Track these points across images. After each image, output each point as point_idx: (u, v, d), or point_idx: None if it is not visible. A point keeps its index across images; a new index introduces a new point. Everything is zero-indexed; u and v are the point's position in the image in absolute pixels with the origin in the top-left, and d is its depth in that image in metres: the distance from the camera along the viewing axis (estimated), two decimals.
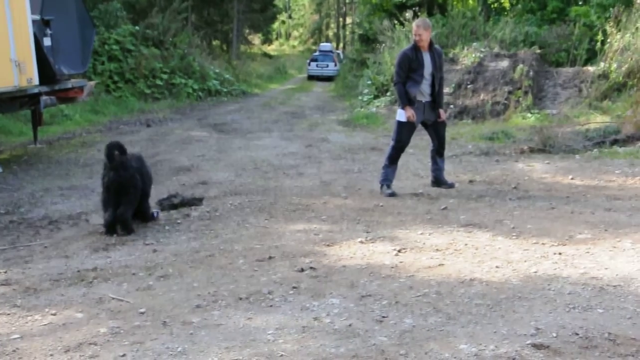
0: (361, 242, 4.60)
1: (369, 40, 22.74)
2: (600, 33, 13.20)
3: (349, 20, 56.13)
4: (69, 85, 9.21)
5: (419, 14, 16.48)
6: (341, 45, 54.54)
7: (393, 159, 6.37)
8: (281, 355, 2.79)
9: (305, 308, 3.35)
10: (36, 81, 8.00)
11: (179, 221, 5.38)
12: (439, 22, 16.68)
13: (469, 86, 13.18)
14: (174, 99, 17.35)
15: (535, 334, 2.95)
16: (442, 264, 4.05)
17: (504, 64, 13.48)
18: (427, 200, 6.04)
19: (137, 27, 18.14)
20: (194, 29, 26.27)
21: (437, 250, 4.37)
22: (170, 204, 5.83)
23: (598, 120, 10.58)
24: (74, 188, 6.90)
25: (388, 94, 14.50)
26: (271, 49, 54.53)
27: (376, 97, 15.12)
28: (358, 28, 31.48)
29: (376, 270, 3.94)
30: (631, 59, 12.07)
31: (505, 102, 12.55)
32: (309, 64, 33.85)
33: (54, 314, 3.34)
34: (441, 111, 6.42)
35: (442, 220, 5.23)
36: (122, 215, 4.94)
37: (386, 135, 10.13)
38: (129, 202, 4.96)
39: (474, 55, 13.93)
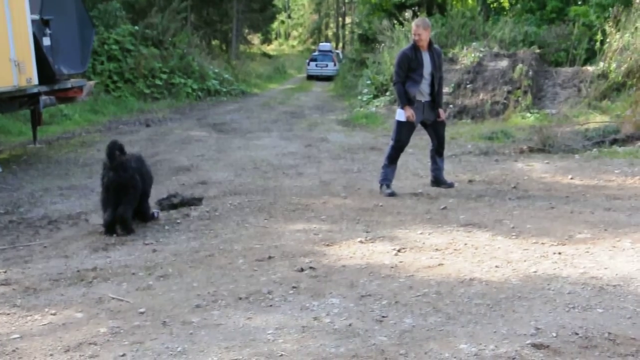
0: (361, 241, 4.60)
1: (368, 40, 22.74)
2: (599, 33, 13.21)
3: (348, 20, 56.14)
4: (69, 85, 9.20)
5: (418, 13, 16.44)
6: (340, 45, 54.54)
7: (392, 158, 6.37)
8: (281, 355, 2.79)
9: (305, 308, 3.35)
10: (35, 81, 7.99)
11: (178, 221, 5.38)
12: (439, 22, 16.68)
13: (468, 86, 13.19)
14: (174, 98, 17.35)
15: (535, 334, 2.95)
16: (442, 264, 4.05)
17: (504, 63, 13.49)
18: (427, 200, 6.04)
19: (136, 27, 18.14)
20: (193, 29, 26.26)
21: (436, 250, 4.37)
22: (170, 203, 5.82)
23: (597, 120, 10.58)
24: (73, 188, 6.90)
25: (387, 93, 14.50)
26: (270, 48, 54.52)
27: (375, 96, 15.12)
28: (357, 28, 31.48)
29: (376, 270, 3.94)
30: (630, 59, 12.08)
31: (505, 101, 12.56)
32: (308, 64, 33.84)
33: (54, 314, 3.34)
34: (440, 111, 6.42)
35: (441, 220, 5.23)
36: (122, 215, 4.94)
37: (385, 135, 10.13)
38: (128, 202, 4.96)
39: (473, 55, 13.93)
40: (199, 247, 4.59)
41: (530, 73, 12.98)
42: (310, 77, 32.68)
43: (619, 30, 12.63)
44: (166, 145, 9.92)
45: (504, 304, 3.33)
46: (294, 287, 3.65)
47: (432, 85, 6.26)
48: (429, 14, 18.22)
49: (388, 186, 6.32)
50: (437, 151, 6.54)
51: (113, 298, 3.56)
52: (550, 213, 5.39)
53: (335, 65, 32.08)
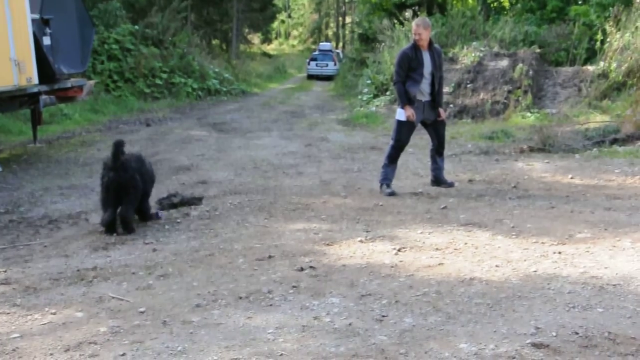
0: (361, 241, 4.60)
1: (368, 40, 22.74)
2: (599, 32, 13.20)
3: (348, 19, 56.14)
4: (69, 85, 9.20)
5: (418, 13, 16.44)
6: (341, 44, 54.54)
7: (393, 158, 6.37)
8: (281, 355, 2.79)
9: (305, 307, 3.35)
10: (36, 80, 7.99)
11: (178, 220, 5.39)
12: (439, 22, 16.68)
13: (468, 85, 13.19)
14: (174, 98, 17.35)
15: (535, 333, 2.95)
16: (442, 263, 4.05)
17: (504, 63, 13.49)
18: (427, 200, 6.04)
19: (136, 27, 18.13)
20: (193, 28, 26.27)
21: (436, 249, 4.37)
22: (170, 203, 5.82)
23: (598, 120, 10.58)
24: (73, 187, 6.90)
25: (388, 93, 14.50)
26: (271, 48, 54.51)
27: (376, 96, 15.11)
28: (357, 27, 31.50)
29: (376, 270, 3.94)
30: (631, 58, 12.07)
31: (505, 101, 12.56)
32: (309, 64, 33.85)
33: (54, 313, 3.34)
34: (441, 110, 6.43)
35: (441, 220, 5.23)
36: (124, 214, 4.94)
37: (386, 134, 10.13)
38: (129, 201, 4.96)
39: (473, 54, 13.93)
40: (199, 246, 4.59)
41: (531, 73, 12.98)
42: (311, 77, 32.68)
43: (619, 30, 12.63)
44: (166, 144, 9.92)
45: (504, 304, 3.34)
46: (294, 287, 3.65)
47: (432, 84, 6.26)
48: (429, 13, 18.21)
49: (388, 186, 6.32)
50: (438, 151, 6.54)
51: (113, 297, 3.56)
52: (551, 212, 5.39)
53: (335, 64, 32.09)
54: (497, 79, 13.12)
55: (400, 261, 4.12)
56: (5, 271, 4.13)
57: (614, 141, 8.90)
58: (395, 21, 16.84)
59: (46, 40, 8.41)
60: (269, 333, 3.02)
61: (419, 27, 6.16)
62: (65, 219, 5.54)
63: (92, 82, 10.72)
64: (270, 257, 4.24)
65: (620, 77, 12.02)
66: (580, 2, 17.19)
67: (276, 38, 63.98)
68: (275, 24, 56.17)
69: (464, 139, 10.09)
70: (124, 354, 2.81)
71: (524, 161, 8.10)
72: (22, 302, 3.54)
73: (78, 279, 3.91)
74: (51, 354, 2.84)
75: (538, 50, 14.12)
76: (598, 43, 13.12)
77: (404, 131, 6.32)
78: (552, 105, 12.46)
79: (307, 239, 4.71)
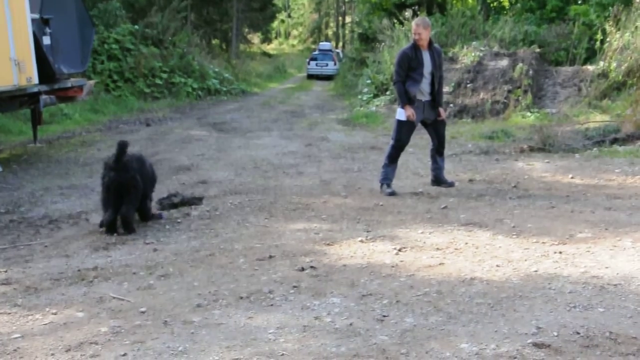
0: (361, 241, 4.60)
1: (368, 39, 22.74)
2: (599, 32, 13.20)
3: (348, 19, 56.12)
4: (69, 85, 9.20)
5: (418, 12, 16.42)
6: (340, 44, 54.52)
7: (393, 158, 6.37)
8: (282, 355, 2.79)
9: (306, 307, 3.35)
10: (36, 80, 7.99)
11: (179, 220, 5.38)
12: (439, 21, 16.67)
13: (468, 85, 13.18)
14: (174, 98, 17.35)
15: (536, 333, 2.95)
16: (443, 263, 4.05)
17: (504, 63, 13.48)
18: (427, 199, 6.04)
19: (136, 26, 18.12)
20: (193, 28, 26.26)
21: (437, 249, 4.37)
22: (170, 203, 5.82)
23: (598, 119, 10.58)
24: (74, 187, 6.90)
25: (388, 93, 14.49)
26: (270, 48, 54.49)
27: (376, 96, 15.11)
28: (357, 27, 31.49)
29: (377, 270, 3.94)
30: (630, 58, 12.07)
31: (505, 101, 12.56)
32: (309, 63, 33.84)
33: (55, 313, 3.34)
34: (441, 110, 6.43)
35: (442, 219, 5.23)
36: (125, 214, 4.94)
37: (386, 134, 10.13)
38: (131, 202, 4.96)
39: (473, 54, 13.92)
40: (200, 246, 4.59)
41: (531, 72, 12.98)
42: (311, 77, 32.68)
43: (619, 30, 12.63)
44: (166, 144, 9.92)
45: (505, 303, 3.34)
46: (294, 287, 3.65)
47: (432, 84, 6.26)
48: (429, 13, 18.21)
49: (388, 185, 6.32)
50: (438, 150, 6.54)
51: (114, 297, 3.56)
52: (551, 212, 5.39)
53: (335, 64, 32.08)
54: (497, 78, 13.12)
55: (401, 261, 4.12)
56: (6, 271, 4.13)
57: (614, 141, 8.90)
58: (395, 21, 16.83)
59: (46, 40, 8.41)
60: (269, 333, 3.02)
61: (418, 27, 6.16)
62: (66, 219, 5.54)
63: (92, 82, 10.71)
64: (270, 257, 4.24)
65: (620, 77, 12.02)
66: (580, 2, 17.19)
67: (276, 38, 63.95)
68: (275, 24, 56.14)
69: (464, 139, 10.09)
70: (125, 354, 2.81)
71: (524, 161, 8.10)
72: (23, 302, 3.54)
73: (79, 279, 3.91)
74: (52, 354, 2.84)
75: (538, 50, 14.12)
76: (598, 43, 13.11)
77: (404, 131, 6.32)
78: (552, 104, 12.46)
79: (307, 239, 4.71)
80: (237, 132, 11.54)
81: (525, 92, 12.52)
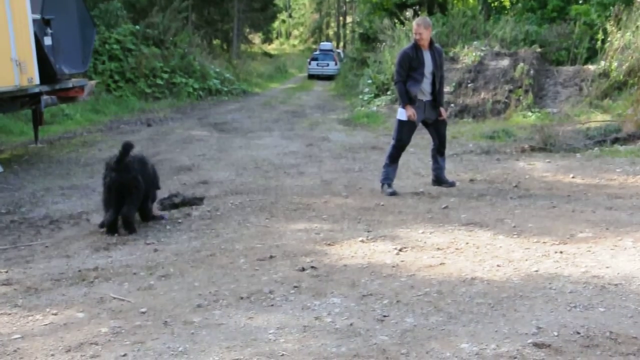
0: (362, 241, 4.60)
1: (369, 39, 22.74)
2: (600, 32, 13.18)
3: (349, 19, 56.13)
4: (70, 85, 9.20)
5: (419, 12, 16.45)
6: (341, 44, 54.54)
7: (394, 157, 6.37)
8: (282, 355, 2.79)
9: (307, 307, 3.35)
10: (37, 80, 7.99)
11: (180, 220, 5.39)
12: (440, 21, 16.66)
13: (469, 85, 13.18)
14: (175, 98, 17.36)
15: (537, 333, 2.94)
16: (443, 263, 4.05)
17: (505, 62, 13.47)
18: (428, 199, 6.03)
19: (137, 27, 18.14)
20: (194, 28, 26.27)
21: (438, 249, 4.37)
22: (171, 203, 5.83)
23: (599, 119, 10.57)
24: (74, 187, 6.91)
25: (388, 92, 14.49)
26: (271, 48, 54.52)
27: (377, 96, 15.11)
28: (358, 27, 31.50)
29: (377, 270, 3.94)
30: (632, 58, 12.05)
31: (506, 100, 12.55)
32: (310, 63, 33.85)
33: (55, 314, 3.35)
34: (442, 110, 6.42)
35: (443, 219, 5.23)
36: (126, 214, 4.95)
37: (387, 134, 10.13)
38: (132, 202, 4.96)
39: (474, 54, 13.92)
40: (200, 246, 4.59)
41: (532, 72, 12.97)
42: (312, 77, 32.69)
43: (620, 29, 12.61)
44: (167, 144, 9.93)
45: (505, 303, 3.33)
46: (295, 287, 3.65)
47: (433, 84, 6.26)
48: (430, 13, 18.20)
49: (389, 185, 6.32)
50: (439, 150, 6.54)
51: (114, 298, 3.56)
52: (552, 212, 5.39)
53: (336, 64, 32.08)
54: (498, 78, 13.11)
55: (402, 261, 4.12)
56: (6, 272, 4.14)
57: (615, 140, 8.89)
58: (396, 21, 16.83)
59: (47, 41, 8.42)
60: (270, 333, 3.02)
61: (419, 27, 6.15)
62: (67, 220, 5.55)
63: (93, 82, 10.72)
64: (271, 257, 4.24)
65: (621, 77, 12.00)
66: (581, 2, 17.17)
67: (277, 38, 63.99)
68: (276, 24, 56.18)
69: (465, 139, 10.09)
70: (125, 355, 2.81)
71: (525, 160, 8.10)
72: (24, 302, 3.54)
73: (79, 280, 3.91)
74: (52, 355, 2.84)
75: (539, 50, 14.11)
76: (599, 42, 13.10)
77: (405, 131, 6.31)
78: (553, 104, 12.45)
79: (308, 239, 4.71)
80: (238, 132, 11.54)
81: (526, 91, 12.51)
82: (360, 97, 15.95)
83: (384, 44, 16.48)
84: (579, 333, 2.93)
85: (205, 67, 19.81)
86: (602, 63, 12.63)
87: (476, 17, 16.58)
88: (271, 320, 3.18)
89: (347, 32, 56.16)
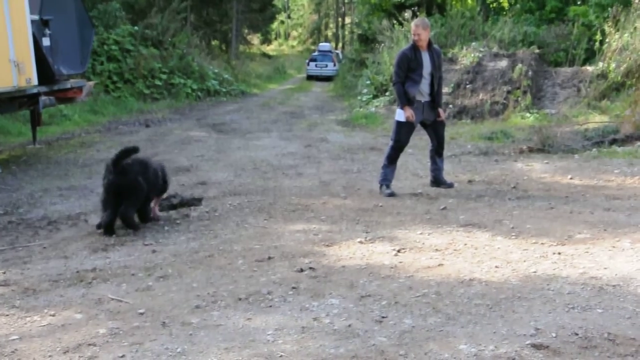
0: (360, 242, 4.60)
1: (368, 40, 22.75)
2: (598, 33, 13.22)
3: (348, 20, 56.14)
4: (68, 86, 9.19)
5: (417, 13, 16.44)
6: (340, 45, 54.53)
7: (392, 158, 6.37)
8: (281, 356, 2.78)
9: (305, 308, 3.35)
10: (35, 81, 7.98)
11: (178, 222, 5.38)
12: (438, 22, 16.69)
13: (467, 86, 13.19)
14: (173, 99, 17.35)
15: (535, 334, 2.95)
16: (442, 264, 4.05)
17: (503, 63, 13.49)
18: (426, 200, 6.04)
19: (136, 27, 18.13)
20: (193, 29, 26.26)
21: (436, 250, 4.37)
22: (170, 204, 5.82)
23: (597, 120, 10.59)
24: (73, 188, 6.90)
25: (387, 93, 14.50)
26: (270, 49, 54.54)
27: (375, 97, 15.12)
28: (357, 28, 31.51)
29: (375, 271, 3.94)
30: (630, 59, 12.08)
31: (504, 101, 12.56)
32: (308, 64, 33.85)
33: (53, 315, 3.34)
34: (440, 111, 6.43)
35: (441, 220, 5.23)
36: (124, 213, 4.95)
37: (385, 135, 10.14)
38: (130, 203, 4.96)
39: (472, 55, 13.93)
40: (199, 247, 4.59)
41: (530, 73, 12.99)
42: (310, 78, 32.68)
43: (618, 30, 12.64)
44: (166, 145, 9.92)
45: (503, 305, 3.33)
46: (293, 288, 3.65)
47: (431, 85, 6.26)
48: (429, 14, 18.23)
49: (388, 186, 6.32)
50: (437, 151, 6.54)
51: (112, 299, 3.56)
52: (550, 213, 5.40)
53: (334, 65, 32.08)
54: (497, 79, 13.13)
55: (400, 262, 4.12)
56: (4, 273, 4.13)
57: (613, 141, 8.91)
58: (395, 22, 16.84)
59: (46, 41, 8.40)
60: (268, 334, 3.02)
61: (418, 28, 6.16)
62: (65, 220, 5.54)
63: (91, 83, 10.71)
64: (269, 258, 4.24)
65: (619, 78, 12.03)
66: (579, 3, 17.22)
67: (276, 39, 63.99)
68: (275, 25, 56.19)
69: (463, 140, 10.10)
70: (123, 356, 2.81)
71: (523, 162, 8.11)
72: (21, 303, 3.54)
73: (77, 281, 3.90)
74: (50, 356, 2.84)
75: (537, 51, 14.13)
76: (597, 43, 13.13)
77: (403, 132, 6.32)
78: (552, 105, 12.47)
79: (306, 240, 4.71)
80: (236, 133, 11.54)
81: (525, 92, 12.53)
82: (359, 98, 15.96)
83: (382, 45, 16.50)
84: (577, 334, 2.93)
85: (204, 68, 19.80)
86: (600, 64, 12.66)
87: (475, 18, 16.62)
88: (269, 321, 3.18)
89: (346, 33, 56.18)
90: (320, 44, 41.20)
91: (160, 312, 3.34)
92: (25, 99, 8.37)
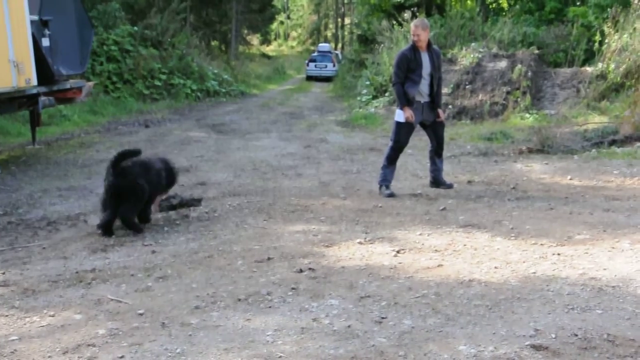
0: (360, 243, 4.60)
1: (367, 41, 22.75)
2: (598, 33, 13.23)
3: (347, 20, 56.14)
4: (68, 86, 9.19)
5: (417, 14, 16.50)
6: (340, 45, 54.53)
7: (392, 159, 6.37)
8: (280, 357, 2.78)
9: (304, 309, 3.35)
10: (34, 82, 7.98)
11: (177, 222, 5.38)
12: (437, 23, 16.70)
13: (467, 86, 13.19)
14: (173, 99, 17.34)
15: (534, 335, 2.95)
16: (441, 265, 4.05)
17: (502, 64, 13.50)
18: (426, 201, 6.04)
19: (135, 28, 18.13)
20: (192, 30, 26.26)
21: (436, 251, 4.37)
22: (169, 205, 5.82)
23: (596, 121, 10.59)
24: (72, 189, 6.89)
25: (387, 94, 14.51)
26: (270, 49, 54.54)
27: (375, 97, 15.12)
28: (356, 28, 31.49)
29: (375, 271, 3.94)
30: (629, 60, 12.10)
31: (504, 102, 12.57)
32: (308, 65, 33.84)
33: (52, 316, 3.34)
34: (440, 111, 6.43)
35: (440, 221, 5.23)
36: (123, 215, 4.95)
37: (385, 135, 10.14)
38: (129, 204, 4.95)
39: (472, 55, 13.94)
40: (198, 248, 4.59)
41: (529, 74, 12.99)
42: (310, 78, 32.68)
43: (617, 31, 12.65)
44: (165, 146, 9.92)
45: (503, 305, 3.34)
46: (293, 289, 3.65)
47: (431, 85, 6.26)
48: (428, 14, 18.25)
49: (387, 187, 6.32)
50: (436, 152, 6.54)
51: (112, 299, 3.56)
52: (549, 214, 5.40)
53: (334, 66, 32.09)
54: (496, 80, 13.13)
55: (400, 263, 4.12)
56: (3, 273, 4.13)
57: (613, 142, 8.91)
58: (394, 22, 16.85)
59: (45, 42, 8.40)
60: (267, 335, 3.02)
61: (417, 28, 6.16)
62: (64, 221, 5.54)
63: (91, 83, 10.71)
64: (269, 258, 4.24)
65: (619, 78, 12.04)
66: (578, 4, 17.23)
67: (275, 39, 63.99)
68: (274, 25, 56.20)
69: (462, 140, 10.10)
70: (122, 356, 2.81)
71: (522, 162, 8.11)
72: (21, 304, 3.54)
73: (77, 281, 3.90)
74: (49, 357, 2.84)
75: (537, 52, 14.14)
76: (596, 44, 13.14)
77: (402, 132, 6.32)
78: (551, 106, 12.48)
79: (306, 241, 4.71)
80: (236, 133, 11.54)
81: (524, 93, 12.54)
82: (359, 98, 15.96)
83: (382, 45, 16.50)
84: (576, 335, 2.93)
85: (203, 69, 19.80)
86: (600, 65, 12.66)
87: (474, 18, 16.63)
88: (269, 322, 3.18)
89: (346, 33, 56.17)
90: (320, 44, 41.18)
91: (159, 312, 3.34)
92: (25, 100, 8.37)
